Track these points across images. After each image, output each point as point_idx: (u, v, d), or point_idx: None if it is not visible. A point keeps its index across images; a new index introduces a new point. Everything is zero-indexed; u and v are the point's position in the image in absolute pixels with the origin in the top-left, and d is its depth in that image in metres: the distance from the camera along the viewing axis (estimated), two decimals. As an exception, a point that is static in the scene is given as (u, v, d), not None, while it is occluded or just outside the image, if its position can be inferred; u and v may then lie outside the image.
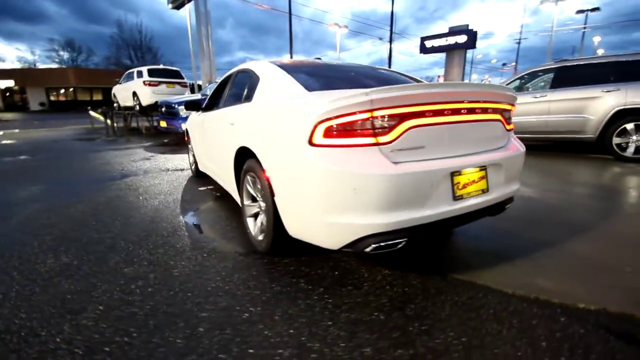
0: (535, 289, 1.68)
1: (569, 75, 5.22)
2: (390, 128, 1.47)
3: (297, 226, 1.74)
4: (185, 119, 8.25)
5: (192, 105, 3.76)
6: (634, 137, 4.75)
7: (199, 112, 3.79)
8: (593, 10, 24.50)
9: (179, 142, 8.97)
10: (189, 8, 15.62)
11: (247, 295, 1.70)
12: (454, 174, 1.60)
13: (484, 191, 1.74)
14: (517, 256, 2.06)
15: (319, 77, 2.14)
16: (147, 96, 10.83)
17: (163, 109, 8.81)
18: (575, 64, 5.31)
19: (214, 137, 2.89)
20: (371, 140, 1.46)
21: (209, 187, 3.93)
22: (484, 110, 1.74)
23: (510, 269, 1.91)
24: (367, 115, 1.44)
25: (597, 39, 32.58)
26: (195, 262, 2.07)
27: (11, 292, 1.75)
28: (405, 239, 1.56)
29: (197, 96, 9.14)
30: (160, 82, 11.02)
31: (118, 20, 51.06)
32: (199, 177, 4.38)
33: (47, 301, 1.67)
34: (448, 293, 1.67)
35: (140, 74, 11.00)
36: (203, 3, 13.15)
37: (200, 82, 16.57)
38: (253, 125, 1.97)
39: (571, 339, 1.33)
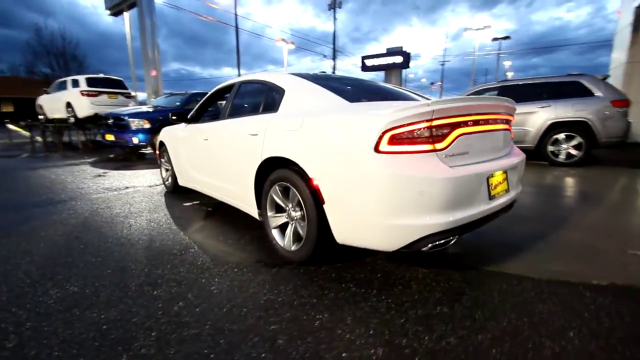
0: (554, 274, 1.95)
1: (510, 94, 6.06)
2: (444, 136, 1.63)
3: (349, 231, 1.78)
4: (137, 131, 7.68)
5: (179, 117, 3.57)
6: (564, 146, 5.68)
7: (185, 125, 3.61)
8: (505, 38, 28.93)
9: (127, 157, 8.27)
10: (128, 15, 14.60)
11: (306, 304, 1.68)
12: (489, 176, 1.80)
13: (506, 191, 1.99)
14: (522, 247, 2.34)
15: (344, 89, 2.23)
16: (85, 107, 9.80)
17: (110, 121, 8.06)
18: (514, 83, 6.20)
19: (220, 149, 2.78)
20: (429, 147, 1.60)
21: (195, 202, 3.72)
22: (502, 121, 2.01)
23: (525, 259, 2.17)
24: (427, 124, 1.57)
25: (507, 63, 38.01)
26: (230, 278, 1.97)
27: (24, 331, 1.50)
28: (457, 237, 1.71)
29: (176, 107, 8.58)
30: (100, 92, 10.06)
31: (36, 24, 45.18)
32: (177, 192, 4.12)
33: (81, 335, 1.46)
34: (489, 283, 1.85)
35: (76, 83, 9.92)
36: (148, 8, 12.39)
37: (140, 94, 15.44)
38: (293, 135, 1.97)
39: (603, 308, 1.59)
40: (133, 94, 11.59)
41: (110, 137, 8.04)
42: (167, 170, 4.36)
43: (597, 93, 5.35)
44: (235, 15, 20.25)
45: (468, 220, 1.69)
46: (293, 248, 2.13)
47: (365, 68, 36.68)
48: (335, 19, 31.76)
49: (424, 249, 1.66)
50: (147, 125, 7.90)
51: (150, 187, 4.60)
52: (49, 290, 1.85)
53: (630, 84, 8.37)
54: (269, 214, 2.31)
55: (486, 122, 1.83)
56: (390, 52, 34.78)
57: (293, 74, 2.40)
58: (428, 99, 2.27)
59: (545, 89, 5.72)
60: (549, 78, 5.84)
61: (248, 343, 1.39)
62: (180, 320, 1.56)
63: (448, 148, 1.64)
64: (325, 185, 1.79)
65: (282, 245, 2.22)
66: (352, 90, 2.21)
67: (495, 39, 28.66)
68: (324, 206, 1.83)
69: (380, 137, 1.56)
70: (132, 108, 9.04)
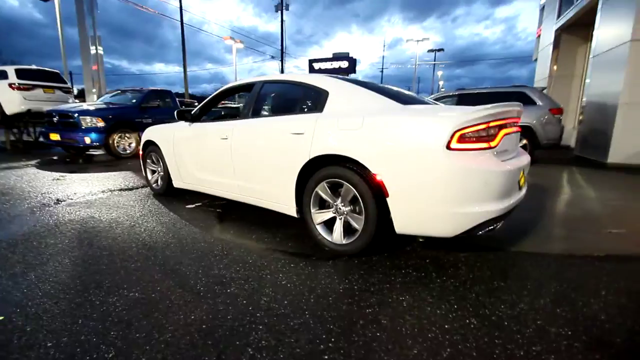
0: (561, 250, 2.37)
1: (468, 101, 6.82)
2: (495, 135, 1.91)
3: (413, 221, 1.97)
4: (89, 130, 6.98)
5: (183, 115, 3.43)
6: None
7: (188, 124, 3.46)
8: (439, 50, 31.93)
9: (73, 159, 7.44)
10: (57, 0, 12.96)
11: (382, 289, 1.82)
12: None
13: (523, 184, 2.36)
14: (521, 232, 2.75)
15: (385, 91, 2.41)
16: (16, 103, 8.57)
17: (55, 119, 7.17)
18: (470, 92, 6.98)
19: (248, 148, 2.75)
20: (486, 145, 1.86)
21: (197, 204, 3.59)
22: (517, 124, 2.37)
23: (530, 240, 2.57)
24: (485, 125, 1.84)
25: (440, 73, 41.83)
26: (293, 272, 2.02)
27: (114, 341, 1.41)
28: (502, 222, 2.01)
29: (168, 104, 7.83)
30: (34, 86, 8.86)
31: None
32: (168, 195, 3.91)
33: (185, 336, 1.42)
34: (519, 260, 2.19)
35: (3, 75, 8.58)
36: (88, -3, 11.12)
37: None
38: (352, 134, 2.09)
39: (614, 272, 2.01)
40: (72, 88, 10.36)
41: (55, 137, 7.15)
42: (153, 172, 4.11)
43: (539, 102, 6.31)
44: (180, 7, 19.12)
45: (510, 207, 1.99)
46: (344, 241, 2.25)
47: (312, 71, 37.39)
48: (282, 20, 31.74)
49: (480, 233, 1.92)
50: (101, 124, 7.22)
51: (131, 190, 4.27)
52: (107, 298, 1.72)
53: (553, 95, 9.95)
54: (313, 210, 2.40)
55: (512, 124, 2.17)
56: (337, 57, 35.95)
57: (331, 76, 2.51)
58: (437, 104, 2.57)
59: (497, 98, 6.55)
60: (499, 88, 6.71)
61: (357, 326, 1.50)
62: (277, 312, 1.60)
63: (497, 146, 1.92)
64: (390, 180, 1.96)
65: (330, 239, 2.32)
66: (391, 93, 2.40)
67: (430, 50, 31.52)
68: (387, 199, 1.99)
69: (452, 136, 1.78)
70: (81, 104, 8.12)
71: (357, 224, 2.17)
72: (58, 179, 4.96)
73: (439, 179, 1.83)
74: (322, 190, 2.32)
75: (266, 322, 1.52)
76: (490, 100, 2.01)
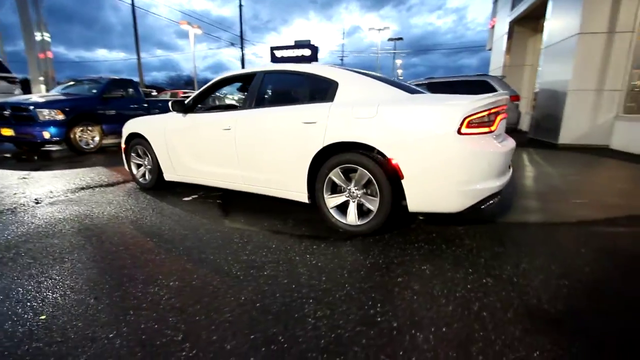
0: (548, 219, 2.74)
1: (437, 89, 7.23)
2: (494, 121, 2.16)
3: (425, 199, 2.18)
4: (47, 124, 6.48)
5: (179, 105, 3.35)
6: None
7: (182, 115, 3.40)
8: (398, 39, 32.87)
9: (27, 155, 6.88)
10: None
11: (404, 262, 2.02)
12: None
13: (511, 166, 2.67)
14: (504, 207, 3.12)
15: (390, 82, 2.58)
16: (-49, 94, 7.63)
17: (6, 113, 6.51)
18: (439, 81, 7.40)
19: (254, 138, 2.79)
20: (487, 129, 2.11)
21: (193, 196, 3.57)
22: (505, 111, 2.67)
23: (515, 213, 2.93)
24: (487, 112, 2.08)
25: (399, 62, 43.09)
26: (319, 252, 2.16)
27: (183, 327, 1.47)
28: (498, 196, 2.29)
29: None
30: (-28, 76, 7.94)
31: None
32: (157, 189, 3.82)
33: (245, 314, 1.52)
34: (510, 229, 2.52)
35: None
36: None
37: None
38: (366, 122, 2.24)
39: (588, 234, 2.39)
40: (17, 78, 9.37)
41: (8, 132, 6.52)
42: (139, 166, 3.98)
43: (499, 90, 6.87)
44: (132, -9, 17.76)
45: (505, 184, 2.28)
46: (359, 222, 2.42)
47: (275, 59, 36.70)
48: (241, 4, 30.57)
49: (482, 207, 2.19)
50: (60, 117, 6.71)
51: (113, 185, 4.11)
52: (147, 289, 1.75)
53: (508, 82, 10.81)
54: (326, 195, 2.54)
55: (503, 111, 2.45)
56: (299, 45, 35.50)
57: (334, 65, 2.64)
58: (423, 92, 2.79)
59: (463, 86, 7.04)
60: (464, 77, 7.19)
61: (394, 292, 1.69)
62: (320, 287, 1.74)
63: (495, 131, 2.18)
64: (405, 163, 2.15)
65: (344, 221, 2.48)
66: (394, 83, 2.57)
67: (390, 39, 32.34)
68: (403, 181, 2.18)
69: (462, 122, 2.00)
70: (37, 95, 7.40)
71: (372, 206, 2.35)
72: (24, 178, 4.60)
73: (451, 161, 2.06)
74: (335, 176, 2.46)
75: (314, 297, 1.66)
76: (457, 88, 2.25)
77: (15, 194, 3.74)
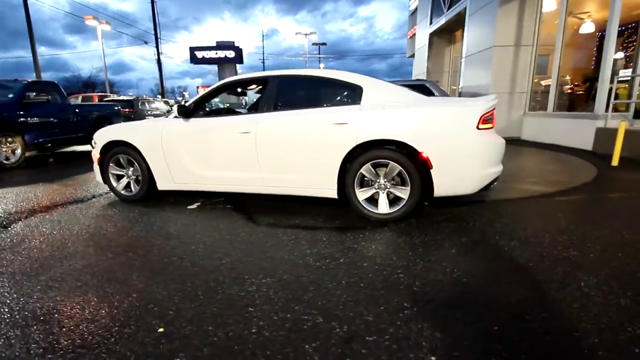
0: (520, 195, 3.43)
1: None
2: (493, 118, 2.70)
3: (449, 185, 2.60)
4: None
5: (184, 110, 3.21)
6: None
7: (183, 119, 3.27)
8: (322, 44, 34.31)
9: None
10: None
11: (444, 239, 2.41)
12: (499, 144, 3.02)
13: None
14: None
15: (402, 86, 2.95)
16: None
17: None
18: (402, 83, 8.17)
19: (280, 140, 2.89)
20: (491, 125, 2.63)
21: (197, 204, 3.45)
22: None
23: (494, 192, 3.59)
24: (493, 110, 2.60)
25: (322, 65, 44.83)
26: (367, 241, 2.42)
27: (315, 314, 1.60)
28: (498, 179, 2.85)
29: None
30: None
31: None
32: (145, 200, 3.57)
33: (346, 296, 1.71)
34: (500, 205, 3.12)
35: None
36: None
37: None
38: (398, 121, 2.57)
39: (553, 203, 3.11)
40: None
41: None
42: (119, 177, 3.65)
43: (436, 93, 7.92)
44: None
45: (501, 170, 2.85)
46: (390, 210, 2.74)
47: (195, 60, 34.80)
48: (154, 1, 28.20)
49: (489, 188, 2.71)
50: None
51: (86, 201, 3.69)
52: (245, 287, 1.80)
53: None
54: (357, 189, 2.80)
55: (492, 111, 3.04)
56: (222, 46, 34.42)
57: (351, 73, 2.91)
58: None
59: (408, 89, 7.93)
60: (407, 81, 8.08)
61: (458, 258, 2.06)
62: (400, 264, 2.01)
63: (494, 126, 2.73)
64: (434, 155, 2.54)
65: (375, 211, 2.77)
66: (406, 86, 2.96)
67: (315, 44, 33.58)
68: (432, 171, 2.58)
69: (480, 119, 2.48)
70: None
71: (402, 194, 2.69)
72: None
73: (472, 151, 2.52)
74: (366, 170, 2.74)
75: (401, 271, 1.92)
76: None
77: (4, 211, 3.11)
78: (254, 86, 3.88)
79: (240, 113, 3.37)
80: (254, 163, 3.03)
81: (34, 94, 6.78)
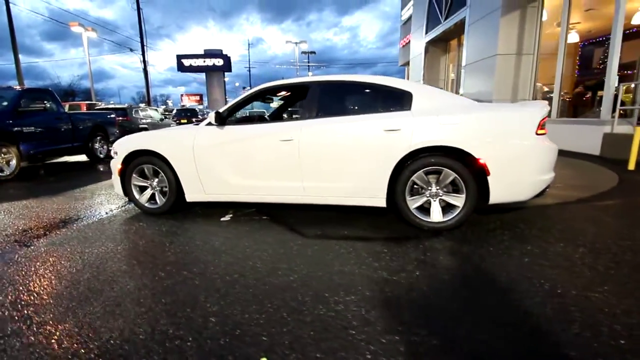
0: (558, 199, 3.43)
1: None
2: (545, 124, 2.68)
3: (506, 191, 2.55)
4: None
5: (219, 117, 3.06)
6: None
7: (216, 127, 3.11)
8: (312, 52, 34.52)
9: None
10: None
11: (500, 242, 2.36)
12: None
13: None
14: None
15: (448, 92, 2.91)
16: None
17: None
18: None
19: (328, 148, 2.78)
20: (544, 131, 2.60)
21: (229, 215, 3.29)
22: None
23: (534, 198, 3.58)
24: (546, 117, 2.58)
25: (310, 73, 45.08)
26: (433, 248, 2.33)
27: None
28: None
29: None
30: None
31: None
32: (170, 212, 3.37)
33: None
34: (547, 210, 3.10)
35: None
36: None
37: None
38: (452, 127, 2.51)
39: (595, 206, 3.11)
40: None
41: None
42: (143, 188, 3.45)
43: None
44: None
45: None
46: (444, 219, 2.66)
47: (182, 68, 34.34)
48: (139, 7, 27.60)
49: (543, 194, 2.68)
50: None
51: (112, 211, 3.46)
52: (313, 310, 1.67)
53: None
54: (408, 198, 2.71)
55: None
56: (209, 54, 34.15)
57: (399, 79, 2.86)
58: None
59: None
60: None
61: (524, 259, 1.99)
62: (472, 272, 1.93)
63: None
64: (492, 161, 2.49)
65: (428, 220, 2.69)
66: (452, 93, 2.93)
67: (304, 52, 33.77)
68: (489, 177, 2.52)
69: (539, 124, 2.45)
70: None
71: (457, 202, 2.62)
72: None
73: (530, 157, 2.49)
74: (419, 178, 2.66)
75: (490, 285, 1.84)
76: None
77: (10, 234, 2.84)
78: (282, 93, 3.76)
79: (273, 121, 3.25)
80: (296, 171, 2.91)
81: (29, 102, 6.44)
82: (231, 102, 3.24)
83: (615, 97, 5.67)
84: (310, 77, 3.07)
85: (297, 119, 3.02)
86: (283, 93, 3.76)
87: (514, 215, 2.99)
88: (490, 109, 2.66)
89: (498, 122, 2.54)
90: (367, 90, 2.96)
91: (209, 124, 3.15)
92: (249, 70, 48.67)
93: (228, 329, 1.51)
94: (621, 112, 5.70)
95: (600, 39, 8.90)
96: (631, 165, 4.69)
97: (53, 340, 1.47)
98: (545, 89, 8.24)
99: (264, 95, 3.32)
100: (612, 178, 4.27)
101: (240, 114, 3.80)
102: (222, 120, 3.08)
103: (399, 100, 2.78)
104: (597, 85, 7.24)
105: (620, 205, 3.28)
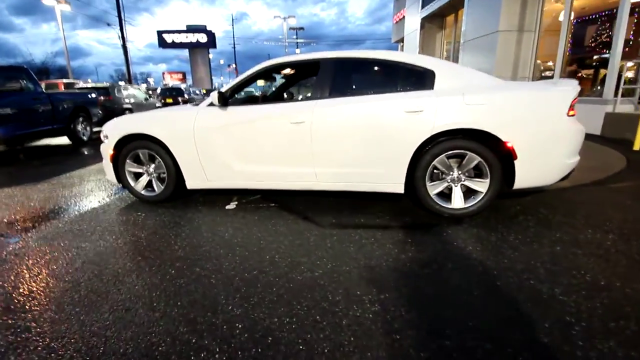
0: (574, 182, 3.35)
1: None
2: (574, 105, 2.53)
3: (533, 175, 2.43)
4: None
5: (222, 97, 2.80)
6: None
7: (218, 108, 2.85)
8: (300, 29, 33.22)
9: None
10: None
11: (534, 231, 2.26)
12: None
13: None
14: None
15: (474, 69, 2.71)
16: None
17: None
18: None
19: (343, 131, 2.57)
20: (574, 112, 2.46)
21: (234, 203, 3.09)
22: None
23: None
24: (577, 97, 2.43)
25: (297, 50, 43.62)
26: (455, 235, 2.21)
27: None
28: (573, 168, 2.71)
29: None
30: None
31: None
32: (168, 201, 3.14)
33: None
34: (565, 193, 3.01)
35: None
36: None
37: None
38: (478, 108, 2.34)
39: (611, 189, 3.05)
40: None
41: None
42: (138, 175, 3.19)
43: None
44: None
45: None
46: (466, 205, 2.54)
47: (164, 44, 32.75)
48: (116, -20, 25.90)
49: (565, 178, 2.57)
50: None
51: (105, 200, 3.21)
52: (348, 312, 1.53)
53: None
54: (428, 184, 2.56)
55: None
56: (192, 30, 32.61)
57: (420, 55, 2.63)
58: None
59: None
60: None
61: (556, 247, 1.90)
62: (495, 259, 1.82)
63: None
64: (519, 145, 2.34)
65: (449, 206, 2.55)
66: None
67: (292, 29, 32.48)
68: (515, 161, 2.39)
69: (570, 105, 2.30)
70: None
71: (480, 187, 2.49)
72: None
73: (560, 139, 2.36)
74: (440, 163, 2.50)
75: (526, 276, 1.73)
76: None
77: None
78: (289, 70, 3.49)
79: (281, 101, 3.01)
80: (307, 157, 2.71)
81: (3, 81, 5.92)
82: (233, 80, 2.97)
83: (619, 75, 5.58)
84: (321, 53, 2.80)
85: (307, 98, 2.78)
86: (288, 70, 3.49)
87: (533, 200, 2.90)
88: (519, 88, 2.49)
89: (527, 102, 2.37)
90: (385, 68, 2.74)
91: (211, 104, 2.88)
92: (234, 47, 46.81)
93: (258, 336, 1.36)
94: (623, 91, 5.63)
95: (593, 16, 8.76)
96: (637, 146, 4.66)
97: None
98: (541, 67, 8.11)
99: (271, 73, 3.06)
100: (620, 159, 4.22)
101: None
102: (225, 100, 2.82)
103: (420, 78, 2.57)
104: (595, 64, 7.14)
105: (636, 188, 3.22)
